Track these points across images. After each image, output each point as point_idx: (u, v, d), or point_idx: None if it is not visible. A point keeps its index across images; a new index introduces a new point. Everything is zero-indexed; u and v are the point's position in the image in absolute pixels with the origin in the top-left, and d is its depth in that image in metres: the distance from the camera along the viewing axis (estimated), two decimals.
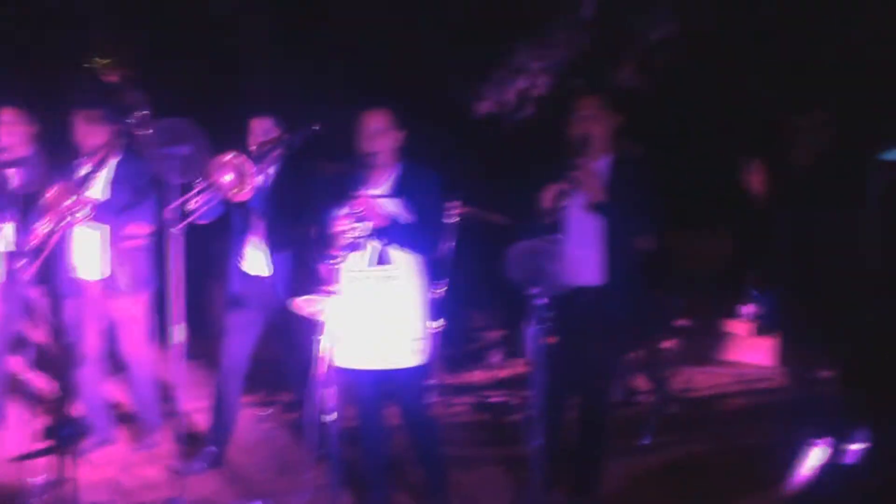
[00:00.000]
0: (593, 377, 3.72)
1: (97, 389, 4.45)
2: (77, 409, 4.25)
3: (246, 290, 4.15)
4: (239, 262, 4.14)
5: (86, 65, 5.59)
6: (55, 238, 3.89)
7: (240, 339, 4.20)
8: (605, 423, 3.79)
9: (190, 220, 3.70)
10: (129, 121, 4.11)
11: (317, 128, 3.83)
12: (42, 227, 3.92)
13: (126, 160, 4.29)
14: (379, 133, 3.50)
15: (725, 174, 4.25)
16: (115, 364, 4.56)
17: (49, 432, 2.46)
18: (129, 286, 4.26)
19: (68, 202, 3.94)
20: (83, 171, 4.23)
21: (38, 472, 3.34)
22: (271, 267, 4.11)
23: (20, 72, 6.06)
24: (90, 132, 4.24)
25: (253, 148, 4.01)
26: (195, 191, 3.72)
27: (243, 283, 4.15)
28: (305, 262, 3.85)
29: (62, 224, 3.90)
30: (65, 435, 2.43)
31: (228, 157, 3.73)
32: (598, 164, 3.65)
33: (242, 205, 3.98)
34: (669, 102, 6.24)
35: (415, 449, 3.76)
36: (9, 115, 4.41)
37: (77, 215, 3.95)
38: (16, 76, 5.75)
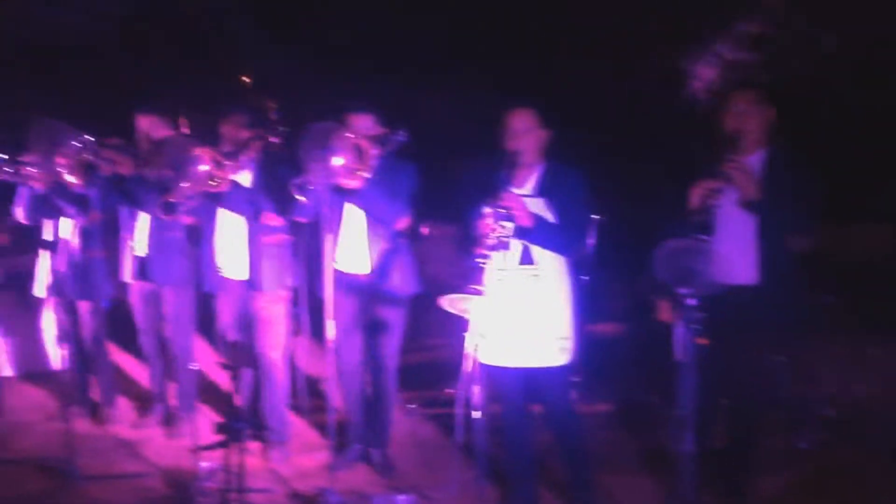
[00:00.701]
0: (746, 379, 3.62)
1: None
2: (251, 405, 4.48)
3: (344, 289, 4.07)
4: (335, 261, 3.99)
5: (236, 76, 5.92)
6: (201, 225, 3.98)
7: (346, 340, 4.15)
8: (758, 426, 3.68)
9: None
10: (269, 126, 4.32)
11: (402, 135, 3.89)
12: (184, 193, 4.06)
13: (267, 163, 4.38)
14: (524, 132, 3.51)
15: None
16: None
17: (222, 427, 2.63)
18: (270, 284, 4.34)
19: (215, 172, 4.02)
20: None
21: (210, 459, 3.59)
22: (373, 264, 4.10)
23: (174, 83, 6.41)
24: (235, 134, 4.37)
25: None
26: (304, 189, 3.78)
27: (341, 282, 4.03)
28: (455, 260, 3.87)
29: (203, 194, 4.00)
30: (235, 429, 2.59)
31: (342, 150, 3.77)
32: (752, 160, 3.54)
33: (344, 200, 3.99)
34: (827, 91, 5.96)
35: (560, 447, 3.76)
36: (146, 121, 4.66)
37: (217, 185, 4.04)
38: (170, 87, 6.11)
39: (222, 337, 4.40)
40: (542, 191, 3.55)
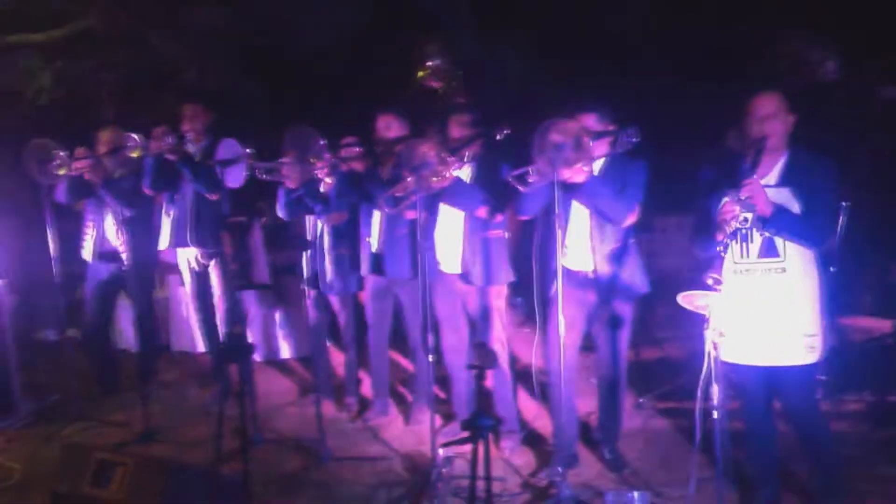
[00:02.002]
0: None
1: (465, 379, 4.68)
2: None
3: (570, 285, 3.97)
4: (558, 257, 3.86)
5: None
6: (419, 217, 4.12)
7: (569, 336, 3.94)
8: None
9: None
10: (492, 123, 4.37)
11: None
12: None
13: (486, 160, 4.44)
14: (769, 117, 3.33)
15: None
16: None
17: (467, 424, 2.72)
18: (490, 278, 4.40)
19: (439, 168, 4.12)
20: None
21: (448, 447, 3.75)
22: (599, 261, 4.00)
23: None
24: (459, 131, 4.47)
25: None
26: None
27: (566, 279, 3.91)
28: (689, 253, 3.74)
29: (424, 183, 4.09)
30: (480, 426, 2.67)
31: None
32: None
33: (570, 196, 3.93)
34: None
35: (805, 448, 3.57)
36: (382, 120, 4.86)
37: (439, 181, 4.14)
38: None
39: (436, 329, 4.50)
40: (786, 180, 3.36)
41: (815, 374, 3.42)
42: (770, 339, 3.35)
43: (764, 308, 3.34)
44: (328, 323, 5.44)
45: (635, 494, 3.69)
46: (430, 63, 6.40)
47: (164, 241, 5.42)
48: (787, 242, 3.32)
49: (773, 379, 3.46)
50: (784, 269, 3.33)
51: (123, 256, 5.13)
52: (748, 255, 3.38)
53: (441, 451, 3.97)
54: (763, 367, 3.43)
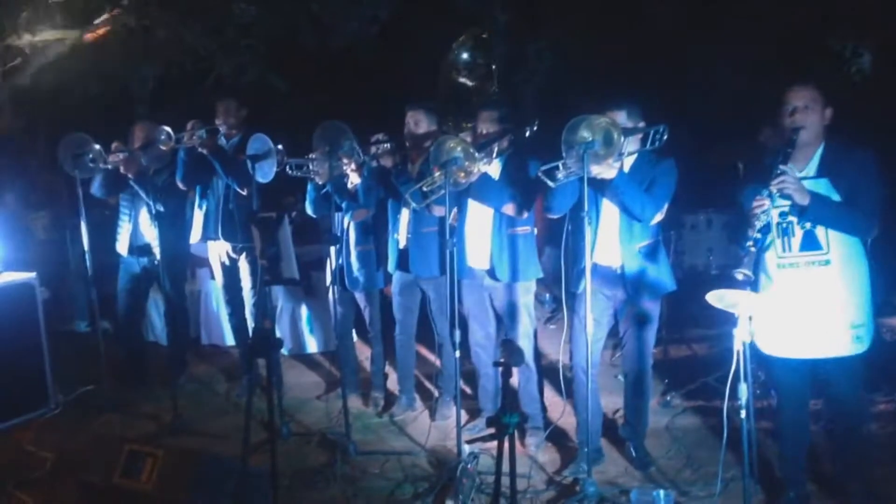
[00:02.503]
0: None
1: (492, 375, 4.68)
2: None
3: (594, 283, 3.89)
4: (587, 254, 3.82)
5: None
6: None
7: (596, 332, 3.94)
8: None
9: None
10: (520, 120, 4.36)
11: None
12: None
13: (514, 156, 4.44)
14: (804, 109, 3.30)
15: None
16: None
17: (493, 420, 2.73)
18: (514, 274, 4.40)
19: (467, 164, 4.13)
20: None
21: (473, 442, 3.75)
22: (626, 258, 3.98)
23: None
24: (487, 127, 4.45)
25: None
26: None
27: (594, 275, 3.88)
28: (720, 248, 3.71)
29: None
30: (506, 423, 2.67)
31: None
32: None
33: (599, 192, 3.91)
34: None
35: (842, 443, 3.54)
36: (411, 116, 4.83)
37: (467, 177, 4.14)
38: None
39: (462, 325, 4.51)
40: (824, 171, 3.33)
41: (862, 366, 3.37)
42: (816, 332, 3.32)
43: (809, 301, 3.32)
44: (355, 318, 5.47)
45: (661, 493, 3.67)
46: (464, 57, 6.39)
47: (195, 235, 5.49)
48: (829, 234, 3.29)
49: (819, 372, 3.43)
50: (828, 261, 3.30)
51: (156, 251, 5.20)
52: (790, 249, 3.35)
53: (466, 447, 3.98)
54: (808, 361, 3.41)
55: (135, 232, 5.57)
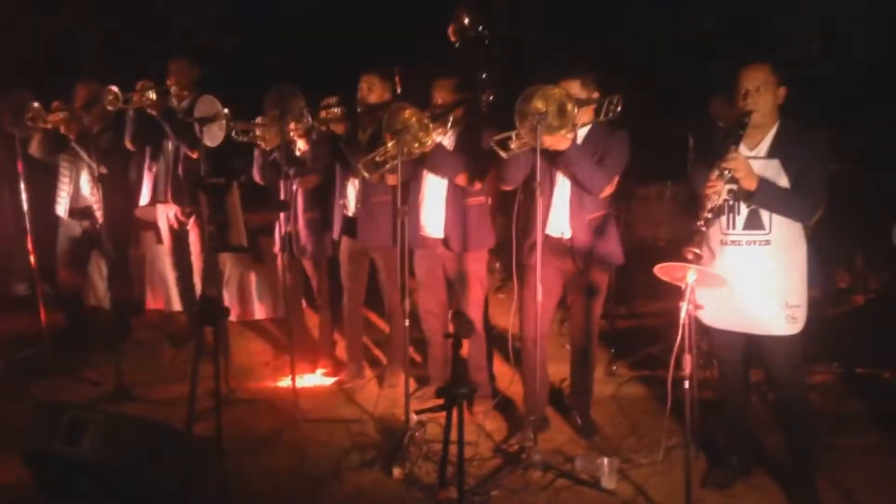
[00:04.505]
0: None
1: (441, 344, 4.70)
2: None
3: (544, 253, 3.85)
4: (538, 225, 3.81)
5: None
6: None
7: (545, 303, 3.89)
8: None
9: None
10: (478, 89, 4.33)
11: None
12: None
13: (469, 127, 4.42)
14: (756, 90, 3.31)
15: None
16: None
17: (442, 391, 2.73)
18: (469, 244, 4.41)
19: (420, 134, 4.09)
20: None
21: (418, 412, 3.77)
22: (576, 229, 4.00)
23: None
24: (443, 97, 4.42)
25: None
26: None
27: (544, 246, 3.86)
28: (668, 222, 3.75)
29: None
30: (456, 394, 2.68)
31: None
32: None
33: (551, 163, 3.91)
34: None
35: (784, 419, 3.63)
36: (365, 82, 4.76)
37: (422, 147, 4.11)
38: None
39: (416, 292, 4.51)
40: (775, 152, 3.36)
41: (798, 344, 3.45)
42: (753, 309, 3.39)
43: (748, 278, 3.37)
44: (303, 285, 5.42)
45: (605, 460, 3.74)
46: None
47: (144, 197, 5.37)
48: (772, 215, 3.33)
49: (755, 348, 3.51)
50: (768, 242, 3.35)
51: (98, 213, 5.07)
52: (734, 227, 3.39)
53: (414, 415, 3.99)
54: (745, 336, 3.48)
55: (75, 194, 5.42)
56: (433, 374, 4.79)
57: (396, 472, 3.81)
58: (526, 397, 4.26)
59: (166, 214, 5.40)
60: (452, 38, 6.18)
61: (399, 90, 5.17)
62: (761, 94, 3.30)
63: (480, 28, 6.10)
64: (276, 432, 4.34)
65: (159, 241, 5.78)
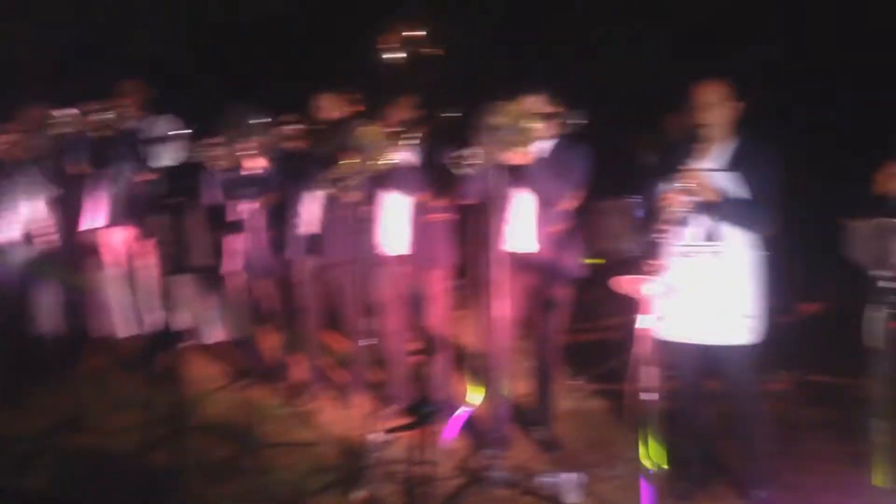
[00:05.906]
0: None
1: (404, 363, 4.67)
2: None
3: (510, 268, 3.87)
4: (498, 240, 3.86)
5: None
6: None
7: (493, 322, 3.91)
8: None
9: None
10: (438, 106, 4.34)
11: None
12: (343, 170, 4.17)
13: (430, 143, 4.41)
14: (712, 105, 3.37)
15: None
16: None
17: (411, 409, 2.71)
18: (432, 261, 4.42)
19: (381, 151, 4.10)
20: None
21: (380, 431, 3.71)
22: (540, 244, 4.03)
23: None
24: (403, 114, 4.46)
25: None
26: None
27: (508, 261, 3.88)
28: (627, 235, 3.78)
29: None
30: (424, 413, 2.66)
31: None
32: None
33: (512, 179, 3.91)
34: None
35: (739, 429, 3.65)
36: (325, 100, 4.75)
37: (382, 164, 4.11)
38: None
39: (377, 310, 4.47)
40: (731, 166, 3.41)
41: (753, 354, 3.49)
42: (708, 320, 3.42)
43: (703, 289, 3.41)
44: (259, 306, 5.33)
45: (568, 475, 3.73)
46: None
47: (99, 220, 5.27)
48: (726, 227, 3.38)
49: (712, 358, 3.53)
50: (723, 253, 3.39)
51: (46, 238, 4.95)
52: (690, 239, 3.44)
53: (375, 436, 3.93)
54: (702, 346, 3.51)
55: (21, 219, 5.28)
56: (395, 393, 4.74)
57: (360, 494, 3.74)
58: (487, 414, 4.21)
59: (122, 237, 5.30)
60: (409, 55, 6.18)
61: (359, 108, 5.15)
62: (715, 110, 3.36)
63: (434, 45, 6.11)
64: (232, 459, 4.23)
65: (105, 265, 5.65)
